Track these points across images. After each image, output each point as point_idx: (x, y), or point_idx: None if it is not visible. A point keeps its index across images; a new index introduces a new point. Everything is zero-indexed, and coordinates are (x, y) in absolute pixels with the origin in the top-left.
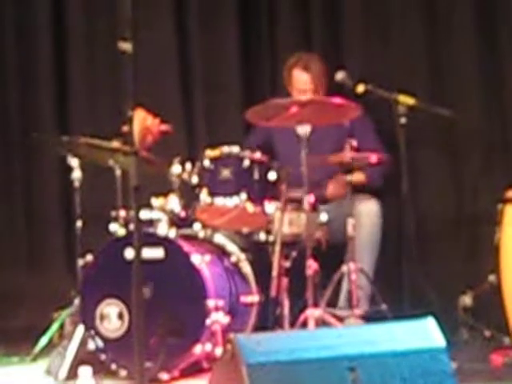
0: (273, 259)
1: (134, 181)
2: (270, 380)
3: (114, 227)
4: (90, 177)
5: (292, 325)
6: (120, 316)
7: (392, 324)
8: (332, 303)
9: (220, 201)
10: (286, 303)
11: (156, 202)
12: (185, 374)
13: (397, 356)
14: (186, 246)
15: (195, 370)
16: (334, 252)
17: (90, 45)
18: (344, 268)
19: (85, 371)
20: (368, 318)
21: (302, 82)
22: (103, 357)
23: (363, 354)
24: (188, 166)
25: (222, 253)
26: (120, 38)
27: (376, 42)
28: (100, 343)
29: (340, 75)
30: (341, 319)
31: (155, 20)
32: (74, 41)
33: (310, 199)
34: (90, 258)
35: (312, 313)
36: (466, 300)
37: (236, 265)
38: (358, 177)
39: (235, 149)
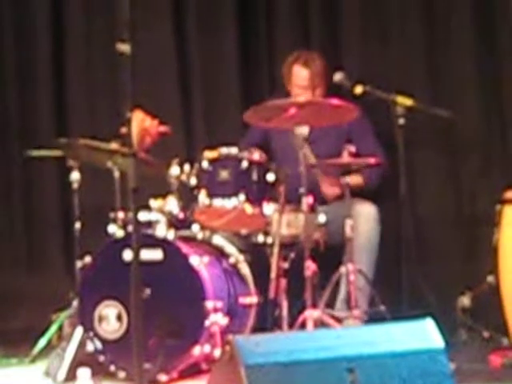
0: (271, 260)
1: (133, 182)
2: (269, 381)
3: (113, 229)
4: (88, 178)
5: (291, 326)
6: (119, 317)
7: (391, 325)
8: (331, 304)
9: (218, 202)
10: (285, 304)
11: (154, 203)
12: (183, 375)
13: (395, 357)
14: (184, 248)
15: (194, 371)
16: (332, 253)
17: (88, 46)
18: (342, 269)
19: (83, 373)
20: (367, 319)
21: (301, 78)
22: (102, 358)
23: (362, 355)
24: (186, 167)
25: (220, 254)
26: (118, 39)
27: (374, 42)
28: (99, 345)
29: (338, 76)
30: (339, 320)
31: (153, 21)
32: (72, 42)
33: (308, 200)
34: (88, 259)
35: (311, 314)
36: (465, 301)
37: (234, 266)
38: (355, 179)
39: (234, 150)
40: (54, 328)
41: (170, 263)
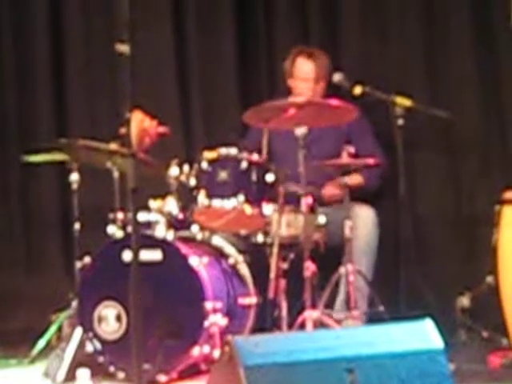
0: (271, 261)
1: (132, 183)
2: (268, 382)
3: (112, 229)
4: (87, 179)
5: (290, 326)
6: (118, 318)
7: (390, 325)
8: (330, 305)
9: (218, 203)
10: (284, 305)
11: (154, 204)
12: (183, 376)
13: (395, 357)
14: (183, 248)
15: (193, 372)
16: (331, 254)
17: (87, 46)
18: (342, 270)
19: (83, 373)
20: (366, 320)
21: (305, 70)
22: (101, 359)
23: (361, 356)
24: (186, 167)
25: (219, 255)
26: (117, 39)
27: (373, 43)
28: (98, 345)
29: (337, 77)
30: (339, 321)
31: (153, 21)
32: (71, 42)
33: (307, 201)
34: (87, 260)
35: (310, 314)
36: (464, 301)
37: (234, 267)
38: (355, 179)
39: (233, 151)
40: (53, 329)
41: (169, 264)
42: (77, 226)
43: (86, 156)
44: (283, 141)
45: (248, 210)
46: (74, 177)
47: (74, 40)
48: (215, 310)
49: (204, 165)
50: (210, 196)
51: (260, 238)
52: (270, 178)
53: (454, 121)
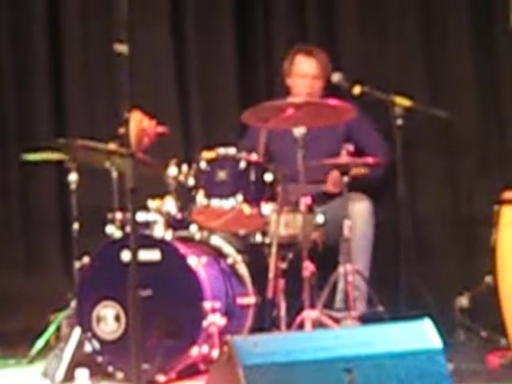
0: (269, 261)
1: (131, 183)
2: (267, 381)
3: (111, 229)
4: (86, 179)
5: (289, 326)
6: (117, 318)
7: (389, 325)
8: (328, 305)
9: (216, 203)
10: (283, 305)
11: (152, 203)
12: (181, 376)
13: (393, 357)
14: (182, 248)
15: (192, 372)
16: (330, 253)
17: (86, 47)
18: (340, 269)
19: (81, 373)
20: (365, 320)
21: (304, 67)
22: (100, 359)
23: (360, 356)
24: (184, 167)
25: (218, 255)
26: (116, 39)
27: (373, 43)
28: (97, 345)
29: (336, 77)
30: (337, 321)
31: (151, 21)
32: (70, 43)
33: (306, 201)
34: (86, 260)
35: (309, 314)
36: (463, 301)
37: (232, 266)
38: (358, 169)
39: (231, 150)
40: (52, 329)
41: (167, 264)
42: (75, 226)
43: (84, 156)
44: (282, 141)
45: (247, 209)
46: (73, 177)
47: (73, 40)
48: (214, 310)
49: (202, 165)
50: (208, 196)
51: (259, 238)
52: (268, 177)
53: (453, 121)
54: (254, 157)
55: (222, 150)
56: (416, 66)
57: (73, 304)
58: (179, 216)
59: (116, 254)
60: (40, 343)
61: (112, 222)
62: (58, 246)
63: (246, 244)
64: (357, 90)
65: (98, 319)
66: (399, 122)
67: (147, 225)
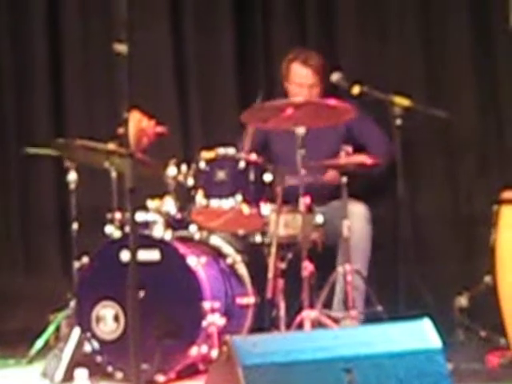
0: (269, 261)
1: (130, 183)
2: (266, 381)
3: (110, 229)
4: (85, 179)
5: (288, 326)
6: (116, 318)
7: (388, 325)
8: (328, 305)
9: (216, 203)
10: (282, 305)
11: (152, 204)
12: (181, 375)
13: (393, 357)
14: (181, 248)
15: (191, 371)
16: (329, 254)
17: (85, 47)
18: (340, 269)
19: (81, 373)
20: (364, 320)
21: (300, 76)
22: (99, 359)
23: (359, 356)
24: (183, 167)
25: (217, 255)
26: (115, 39)
27: (372, 43)
28: (96, 345)
29: (335, 76)
30: (337, 321)
31: (150, 21)
32: (69, 43)
33: (305, 201)
34: (85, 260)
35: (308, 314)
36: (462, 301)
37: (232, 267)
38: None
39: (231, 150)
40: (51, 329)
41: (167, 264)
42: (75, 225)
43: (83, 156)
44: (281, 141)
45: (246, 209)
46: (72, 177)
47: (72, 40)
48: (213, 310)
49: (202, 165)
50: (207, 196)
51: (258, 238)
52: (267, 177)
53: (452, 121)
54: (253, 157)
55: (221, 150)
56: (415, 66)
57: (72, 304)
58: (178, 216)
59: (115, 254)
60: (39, 343)
61: (111, 221)
62: (57, 246)
63: (246, 244)
64: (356, 89)
65: (98, 319)
66: (398, 121)
67: (146, 225)
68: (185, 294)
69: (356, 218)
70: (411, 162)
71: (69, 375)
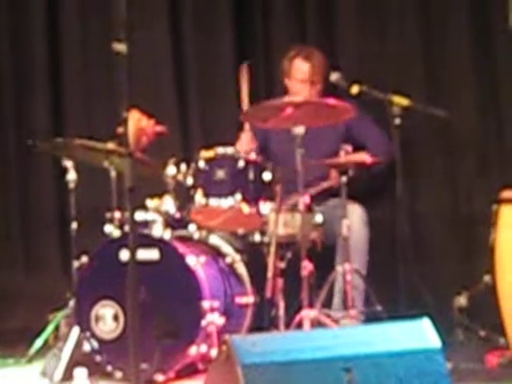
0: (268, 260)
1: (129, 182)
2: (266, 381)
3: (109, 229)
4: (84, 178)
5: (287, 326)
6: (115, 317)
7: (387, 325)
8: (327, 304)
9: (215, 202)
10: (281, 304)
11: (151, 203)
12: (180, 375)
13: (392, 357)
14: (181, 248)
15: (191, 371)
16: (328, 253)
17: (84, 47)
18: (339, 269)
19: (80, 373)
20: (363, 319)
21: (302, 72)
22: (98, 358)
23: (359, 355)
24: (183, 167)
25: (217, 254)
26: (114, 39)
27: (371, 42)
28: (95, 345)
29: (334, 76)
30: (336, 320)
31: (150, 21)
32: (68, 43)
33: (305, 200)
34: (85, 259)
35: (307, 314)
36: (462, 300)
37: (231, 266)
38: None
39: (230, 150)
40: (50, 328)
41: (166, 263)
42: (74, 225)
43: (83, 155)
44: (281, 140)
45: (245, 209)
46: (72, 176)
47: (72, 40)
48: (212, 309)
49: (201, 164)
50: (207, 195)
51: (257, 237)
52: (267, 176)
53: (451, 120)
54: (252, 156)
55: (220, 149)
56: (415, 66)
57: (71, 303)
58: (178, 215)
59: (114, 253)
60: (39, 342)
61: (110, 221)
62: (56, 246)
63: (245, 243)
64: (355, 89)
65: (97, 318)
66: (397, 121)
67: (146, 224)
68: (184, 293)
69: (354, 220)
70: (410, 162)
71: (68, 374)
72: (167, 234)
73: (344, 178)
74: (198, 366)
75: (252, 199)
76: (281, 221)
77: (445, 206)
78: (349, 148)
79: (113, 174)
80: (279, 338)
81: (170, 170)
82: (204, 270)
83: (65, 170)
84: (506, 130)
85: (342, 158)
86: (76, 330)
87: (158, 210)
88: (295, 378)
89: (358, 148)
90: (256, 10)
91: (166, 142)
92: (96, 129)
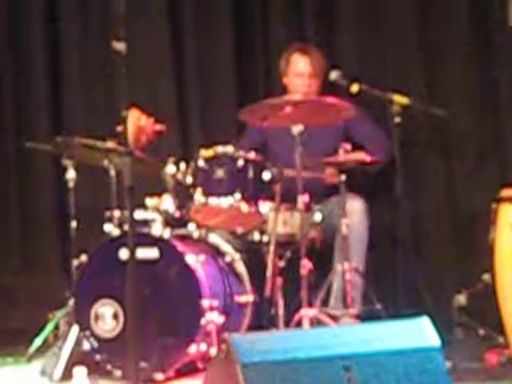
0: (267, 259)
1: (129, 181)
2: (265, 380)
3: (109, 227)
4: (84, 177)
5: (287, 324)
6: (115, 316)
7: (387, 323)
8: (326, 303)
9: (214, 201)
10: (281, 303)
11: (150, 202)
12: (180, 373)
13: (392, 355)
14: (180, 246)
15: (190, 369)
16: (328, 251)
17: (84, 45)
18: (338, 267)
19: (80, 371)
20: (363, 318)
21: (300, 66)
22: (98, 357)
23: (358, 354)
24: (182, 165)
25: (216, 253)
26: (114, 37)
27: (371, 41)
28: (95, 343)
29: (334, 75)
30: (335, 318)
31: (149, 19)
32: (68, 41)
33: (304, 199)
34: (84, 258)
35: (306, 312)
36: (461, 299)
37: (230, 265)
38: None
39: (229, 149)
40: (50, 327)
41: (165, 262)
42: (73, 224)
43: (82, 154)
44: (280, 139)
45: (244, 207)
46: (71, 175)
47: (71, 38)
48: (212, 308)
49: (200, 163)
50: (206, 194)
51: (256, 236)
52: (266, 176)
53: (450, 119)
54: (251, 155)
55: (219, 148)
56: (415, 65)
57: (71, 302)
58: (177, 214)
59: (114, 252)
60: (38, 341)
61: (110, 220)
62: (55, 244)
63: (244, 242)
64: (354, 88)
65: (96, 317)
66: (397, 120)
67: (145, 223)
68: (183, 292)
69: (353, 212)
70: (410, 161)
71: (67, 373)
72: (166, 233)
73: (343, 177)
74: (198, 365)
75: (251, 198)
76: (280, 220)
77: (444, 205)
78: (348, 146)
79: (112, 172)
80: (278, 336)
81: (170, 168)
82: (203, 268)
83: (64, 169)
84: (504, 129)
85: (341, 156)
86: (75, 329)
87: (157, 209)
88: (294, 376)
89: (356, 147)
90: (255, 9)
91: (165, 140)
92: (95, 127)
